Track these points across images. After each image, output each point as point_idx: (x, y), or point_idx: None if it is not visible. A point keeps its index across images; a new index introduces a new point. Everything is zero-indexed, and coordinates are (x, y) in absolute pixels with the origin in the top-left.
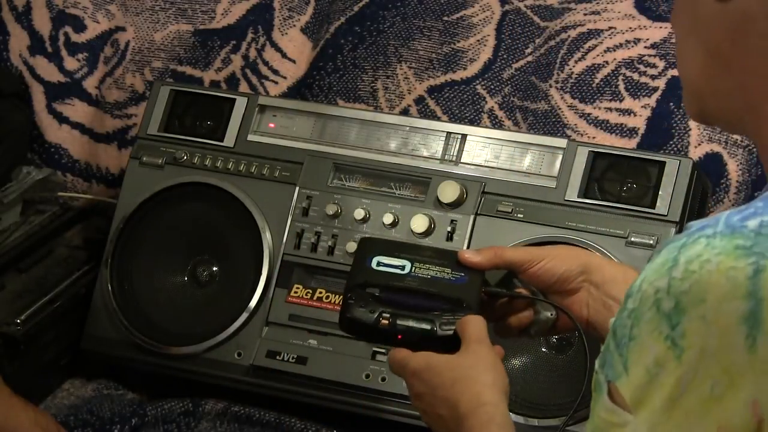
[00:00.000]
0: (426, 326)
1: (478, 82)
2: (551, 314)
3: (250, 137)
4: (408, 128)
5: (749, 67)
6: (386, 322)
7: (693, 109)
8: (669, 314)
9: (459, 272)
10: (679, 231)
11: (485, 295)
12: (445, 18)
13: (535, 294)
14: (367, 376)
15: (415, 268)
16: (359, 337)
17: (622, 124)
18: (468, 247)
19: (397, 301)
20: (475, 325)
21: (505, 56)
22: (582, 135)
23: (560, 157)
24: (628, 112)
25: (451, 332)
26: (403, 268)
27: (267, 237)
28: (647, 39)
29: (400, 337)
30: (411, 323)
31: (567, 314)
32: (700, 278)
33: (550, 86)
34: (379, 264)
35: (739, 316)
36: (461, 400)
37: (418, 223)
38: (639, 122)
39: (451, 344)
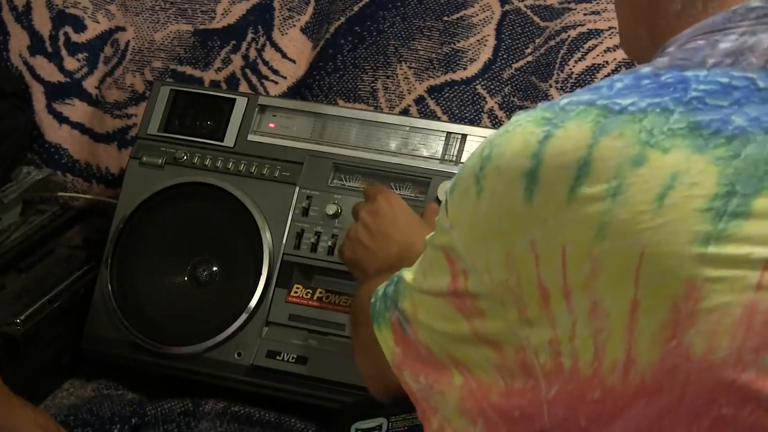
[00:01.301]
0: None
1: (478, 82)
2: None
3: (250, 137)
4: (408, 128)
5: (654, 15)
6: None
7: (626, 50)
8: (481, 158)
9: None
10: None
11: None
12: (445, 18)
13: None
14: None
15: (392, 424)
16: None
17: None
18: None
19: None
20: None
21: (505, 56)
22: None
23: None
24: None
25: None
26: (380, 427)
27: (267, 237)
28: None
29: None
30: None
31: None
32: (507, 138)
33: (550, 86)
34: (357, 431)
35: (522, 172)
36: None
37: None
38: None
39: None
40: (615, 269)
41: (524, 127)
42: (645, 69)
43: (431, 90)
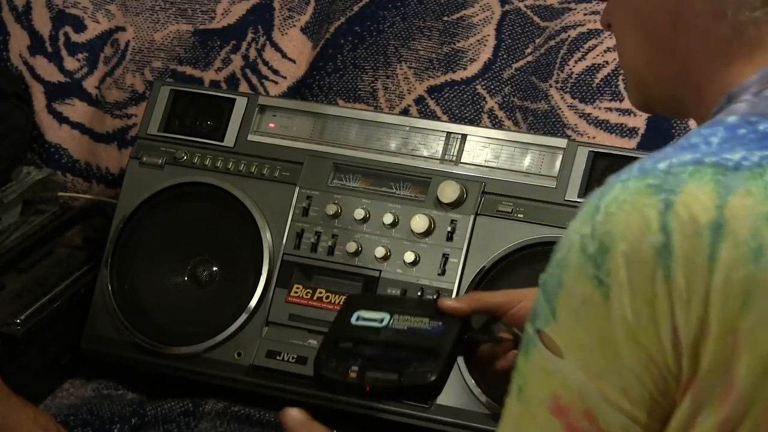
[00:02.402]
0: (392, 377)
1: (478, 82)
2: None
3: (250, 137)
4: (408, 128)
5: (692, 48)
6: (354, 375)
7: (636, 98)
8: (594, 255)
9: (437, 321)
10: None
11: (469, 343)
12: (445, 18)
13: (519, 337)
14: None
15: (394, 320)
16: (332, 391)
17: (622, 124)
18: (468, 247)
19: (368, 355)
20: (292, 418)
21: (505, 56)
22: (582, 135)
23: (560, 157)
24: (628, 112)
25: (416, 383)
26: (381, 320)
27: (267, 237)
28: None
29: (368, 389)
30: (378, 375)
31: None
32: (619, 218)
33: (550, 86)
34: (358, 318)
35: (655, 249)
36: None
37: (418, 223)
38: (639, 122)
39: (419, 393)
40: (761, 347)
41: (632, 202)
42: (731, 119)
43: (431, 90)
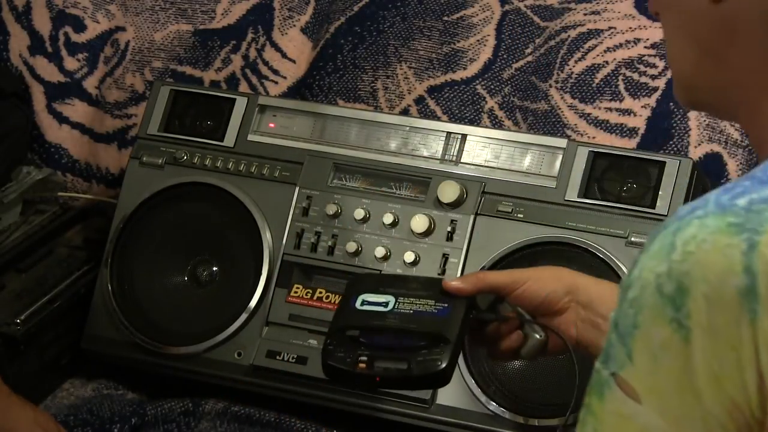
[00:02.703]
0: (402, 366)
1: (478, 82)
2: (540, 336)
3: (250, 137)
4: (408, 128)
5: (747, 65)
6: (364, 365)
7: (683, 98)
8: (672, 297)
9: (443, 302)
10: None
11: (474, 322)
12: (445, 18)
13: (524, 317)
14: None
15: (399, 303)
16: (341, 382)
17: (622, 124)
18: (468, 247)
19: (376, 343)
20: None
21: (505, 56)
22: (582, 135)
23: (560, 157)
24: (628, 112)
25: (427, 371)
26: (386, 304)
27: (267, 237)
28: (647, 39)
29: (378, 379)
30: (388, 364)
31: (556, 333)
32: (699, 258)
33: (550, 86)
34: (363, 303)
35: (739, 292)
36: None
37: (418, 223)
38: (639, 122)
39: (429, 381)
40: None
41: (712, 242)
42: None
43: (431, 90)
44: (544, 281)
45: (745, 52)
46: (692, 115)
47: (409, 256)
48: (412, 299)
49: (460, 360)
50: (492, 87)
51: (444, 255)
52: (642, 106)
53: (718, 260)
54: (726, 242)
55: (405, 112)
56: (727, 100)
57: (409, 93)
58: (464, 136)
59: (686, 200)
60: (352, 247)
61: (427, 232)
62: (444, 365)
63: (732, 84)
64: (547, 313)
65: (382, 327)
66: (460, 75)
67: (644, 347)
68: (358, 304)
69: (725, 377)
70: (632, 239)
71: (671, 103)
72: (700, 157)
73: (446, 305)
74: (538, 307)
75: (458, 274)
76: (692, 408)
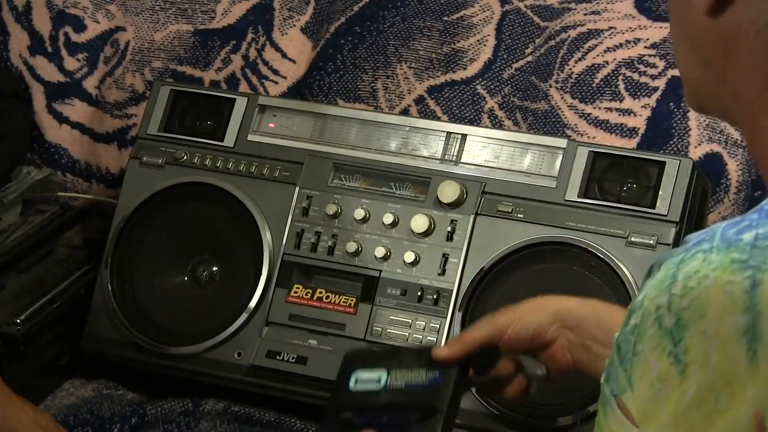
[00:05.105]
0: None
1: (478, 82)
2: (541, 372)
3: (250, 137)
4: (408, 128)
5: (742, 80)
6: None
7: (692, 102)
8: (671, 331)
9: (434, 371)
10: (679, 231)
11: (468, 386)
12: (445, 18)
13: (518, 361)
14: None
15: (391, 378)
16: None
17: (622, 124)
18: (468, 247)
19: (370, 422)
20: None
21: (505, 56)
22: (582, 135)
23: (560, 157)
24: (628, 112)
25: None
26: (379, 380)
27: (267, 237)
28: (647, 39)
29: None
30: None
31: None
32: (699, 294)
33: (550, 86)
34: (356, 382)
35: (738, 331)
36: None
37: (418, 223)
38: (639, 122)
39: None
40: None
41: (714, 278)
42: None
43: (431, 90)
44: (527, 317)
45: (741, 68)
46: (692, 115)
47: (409, 256)
48: (404, 371)
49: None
50: (492, 87)
51: (444, 255)
52: (642, 106)
53: (718, 298)
54: (728, 279)
55: (405, 112)
56: (730, 111)
57: (409, 93)
58: (464, 136)
59: (686, 200)
60: (352, 247)
61: (427, 232)
62: None
63: (731, 98)
64: (539, 347)
65: (375, 404)
66: (460, 75)
67: (643, 376)
68: (351, 384)
69: (718, 414)
70: (632, 239)
71: (671, 103)
72: (700, 157)
73: (437, 374)
74: (531, 344)
75: (458, 275)
76: None
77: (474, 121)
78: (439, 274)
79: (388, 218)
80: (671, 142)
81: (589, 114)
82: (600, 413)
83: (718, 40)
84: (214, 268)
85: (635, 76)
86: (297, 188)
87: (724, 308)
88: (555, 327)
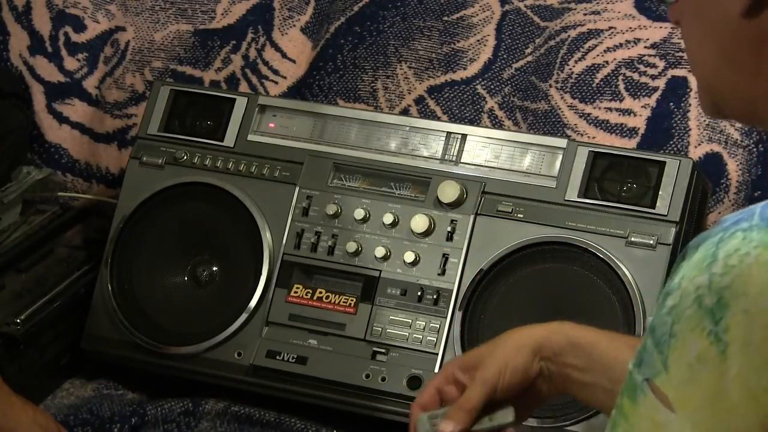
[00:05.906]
0: None
1: (478, 82)
2: (511, 416)
3: (250, 137)
4: (408, 128)
5: None
6: None
7: (707, 105)
8: (711, 310)
9: None
10: (679, 231)
11: None
12: (445, 18)
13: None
14: (367, 376)
15: None
16: None
17: (622, 124)
18: (468, 247)
19: None
20: None
21: (505, 56)
22: (582, 135)
23: (560, 157)
24: (628, 112)
25: None
26: None
27: (267, 237)
28: (647, 39)
29: None
30: None
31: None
32: (741, 272)
33: (550, 86)
34: None
35: None
36: None
37: (418, 223)
38: (639, 122)
39: None
40: None
41: (756, 257)
42: None
43: (431, 90)
44: (513, 361)
45: None
46: (692, 115)
47: (409, 256)
48: None
49: None
50: (492, 87)
51: (444, 255)
52: (642, 106)
53: (760, 275)
54: None
55: (405, 112)
56: (756, 108)
57: (409, 93)
58: (464, 136)
59: (686, 200)
60: (352, 247)
61: (427, 232)
62: None
63: (762, 95)
64: (528, 385)
65: None
66: (460, 75)
67: (680, 357)
68: None
69: (762, 392)
70: (632, 239)
71: (671, 103)
72: (700, 157)
73: None
74: (521, 386)
75: (458, 275)
76: (726, 423)
77: (474, 121)
78: (439, 274)
79: (388, 218)
80: (671, 142)
81: (589, 114)
82: (626, 403)
83: (752, 39)
84: (214, 268)
85: (635, 76)
86: (297, 188)
87: (766, 287)
88: (537, 359)
